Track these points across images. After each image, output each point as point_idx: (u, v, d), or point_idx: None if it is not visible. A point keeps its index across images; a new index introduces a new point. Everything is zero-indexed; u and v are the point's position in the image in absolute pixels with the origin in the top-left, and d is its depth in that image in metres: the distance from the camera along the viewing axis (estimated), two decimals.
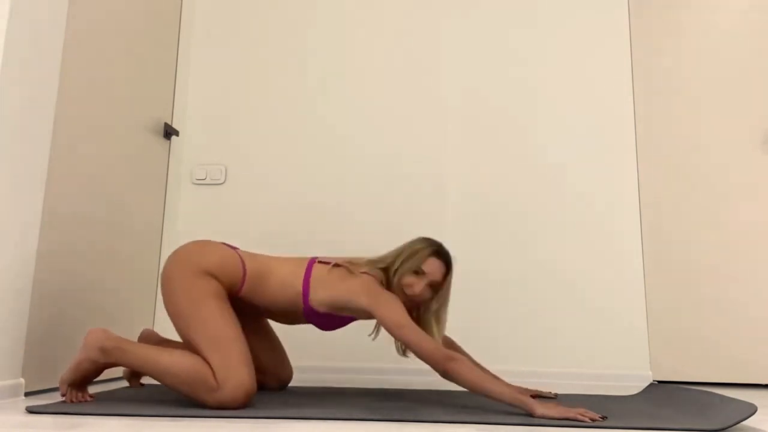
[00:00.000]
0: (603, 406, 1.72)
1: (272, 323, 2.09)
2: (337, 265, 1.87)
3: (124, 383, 2.09)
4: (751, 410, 1.41)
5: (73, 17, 2.00)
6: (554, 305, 2.64)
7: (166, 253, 2.73)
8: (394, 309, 1.69)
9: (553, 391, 2.04)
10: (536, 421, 1.46)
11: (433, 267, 1.83)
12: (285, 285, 1.84)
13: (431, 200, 2.74)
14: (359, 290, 1.76)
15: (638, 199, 2.70)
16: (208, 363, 1.58)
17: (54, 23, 1.90)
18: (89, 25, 2.14)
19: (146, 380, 2.09)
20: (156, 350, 1.65)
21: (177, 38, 2.91)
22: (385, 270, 1.85)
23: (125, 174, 2.41)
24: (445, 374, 1.61)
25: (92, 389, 1.69)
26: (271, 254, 1.94)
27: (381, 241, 2.63)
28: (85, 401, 1.63)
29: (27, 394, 1.76)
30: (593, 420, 1.44)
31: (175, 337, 1.86)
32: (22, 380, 1.74)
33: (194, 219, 2.81)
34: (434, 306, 1.84)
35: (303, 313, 1.85)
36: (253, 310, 1.90)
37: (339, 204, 2.77)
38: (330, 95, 2.87)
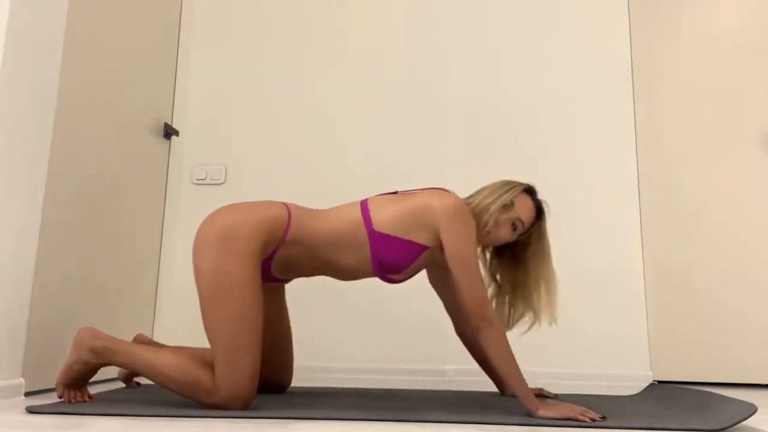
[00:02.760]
0: (603, 406, 1.71)
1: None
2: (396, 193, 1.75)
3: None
4: (751, 410, 1.41)
5: (73, 17, 2.00)
6: None
7: (166, 253, 2.73)
8: (468, 238, 1.59)
9: (553, 391, 2.04)
10: (536, 421, 1.46)
11: (523, 205, 1.73)
12: (339, 216, 1.69)
13: None
14: (437, 204, 1.62)
15: (638, 199, 2.70)
16: (215, 361, 1.53)
17: (54, 23, 1.90)
18: (89, 25, 2.14)
19: (144, 380, 2.09)
20: (147, 350, 1.62)
21: (177, 38, 2.90)
22: (469, 204, 1.72)
23: (125, 174, 2.41)
24: (477, 331, 1.55)
25: (92, 389, 1.69)
26: None
27: None
28: (84, 401, 1.62)
29: (27, 394, 1.76)
30: (593, 420, 1.44)
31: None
32: (22, 380, 1.74)
33: (194, 219, 2.78)
34: (532, 258, 1.75)
35: (369, 242, 1.65)
36: (298, 269, 1.73)
37: (339, 204, 2.76)
38: (330, 95, 2.87)
